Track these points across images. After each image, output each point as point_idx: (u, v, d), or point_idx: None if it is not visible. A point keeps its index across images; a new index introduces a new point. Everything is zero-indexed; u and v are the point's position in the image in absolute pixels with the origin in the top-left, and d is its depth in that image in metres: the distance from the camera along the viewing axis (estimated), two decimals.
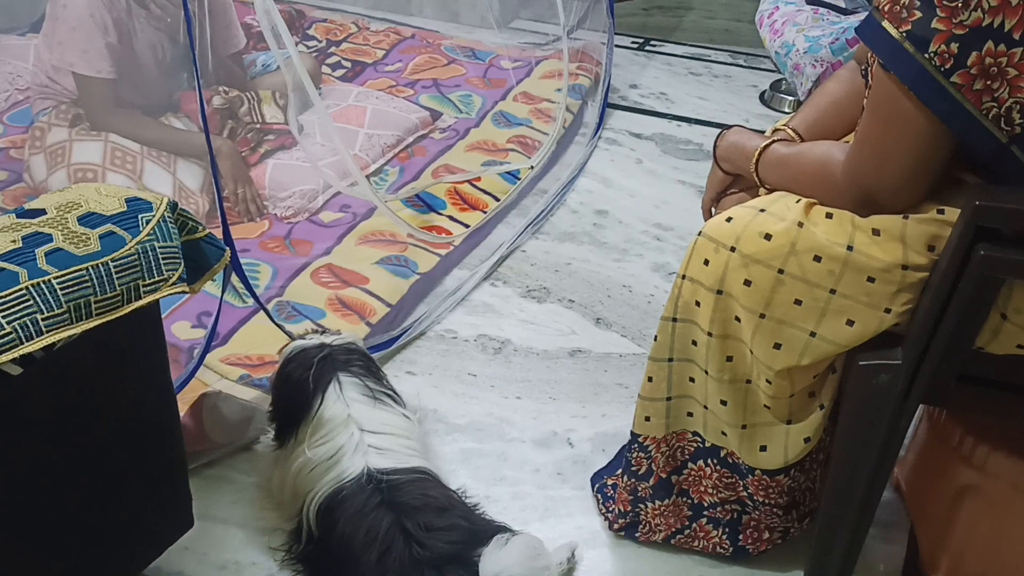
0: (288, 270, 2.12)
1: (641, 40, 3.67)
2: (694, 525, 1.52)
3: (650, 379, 1.43)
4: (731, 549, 1.52)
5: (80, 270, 1.12)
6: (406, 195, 2.39)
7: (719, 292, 1.29)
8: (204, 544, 1.54)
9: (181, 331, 1.90)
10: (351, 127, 2.59)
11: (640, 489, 1.52)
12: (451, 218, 2.36)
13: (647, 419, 1.46)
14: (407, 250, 2.22)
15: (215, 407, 1.68)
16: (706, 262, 1.30)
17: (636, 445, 1.49)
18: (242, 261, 1.77)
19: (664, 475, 1.49)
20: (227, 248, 1.36)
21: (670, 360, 1.40)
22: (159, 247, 1.21)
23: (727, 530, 1.51)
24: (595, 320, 2.10)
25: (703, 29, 3.89)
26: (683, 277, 1.34)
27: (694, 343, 1.36)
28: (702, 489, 1.49)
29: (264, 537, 1.57)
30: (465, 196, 2.43)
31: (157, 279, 1.20)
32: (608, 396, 1.90)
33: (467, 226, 2.32)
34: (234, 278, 1.97)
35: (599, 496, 1.64)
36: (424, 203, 2.39)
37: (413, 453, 1.48)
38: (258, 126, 2.48)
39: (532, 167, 2.54)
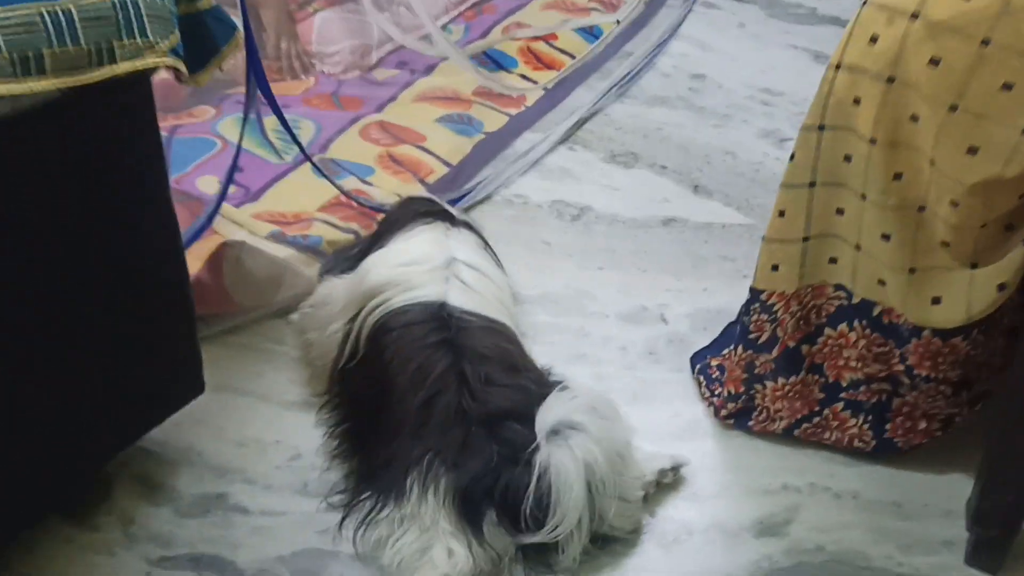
0: (334, 126, 1.86)
1: None
2: (827, 411, 1.21)
3: (781, 214, 1.11)
4: (874, 442, 1.21)
5: (29, 11, 0.84)
6: (472, 52, 2.08)
7: (890, 80, 0.97)
8: (221, 418, 1.33)
9: (208, 185, 1.65)
10: None
11: (758, 364, 1.21)
12: (523, 77, 2.06)
13: (775, 268, 1.14)
14: (472, 108, 1.94)
15: (238, 260, 1.42)
16: (873, 39, 0.97)
17: (757, 305, 1.18)
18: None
19: (792, 343, 1.18)
20: (237, 26, 1.07)
21: (811, 185, 1.07)
22: (143, 3, 0.92)
23: (870, 417, 1.19)
24: (693, 187, 1.79)
25: None
26: (837, 67, 1.01)
27: (847, 158, 1.03)
28: (841, 363, 1.17)
29: (291, 412, 1.31)
30: (539, 55, 2.13)
31: (139, 42, 0.92)
32: (710, 269, 1.60)
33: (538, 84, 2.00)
34: (269, 132, 1.72)
35: (701, 378, 1.34)
36: (492, 61, 2.10)
37: (501, 308, 1.26)
38: None
39: (618, 22, 2.20)
